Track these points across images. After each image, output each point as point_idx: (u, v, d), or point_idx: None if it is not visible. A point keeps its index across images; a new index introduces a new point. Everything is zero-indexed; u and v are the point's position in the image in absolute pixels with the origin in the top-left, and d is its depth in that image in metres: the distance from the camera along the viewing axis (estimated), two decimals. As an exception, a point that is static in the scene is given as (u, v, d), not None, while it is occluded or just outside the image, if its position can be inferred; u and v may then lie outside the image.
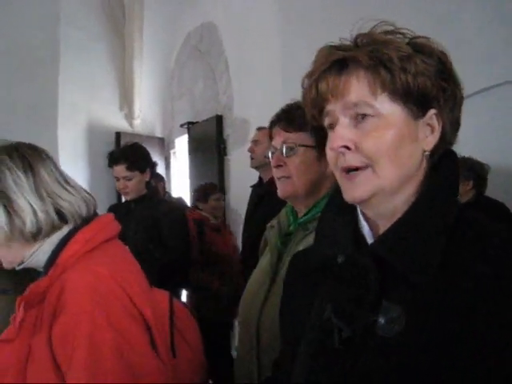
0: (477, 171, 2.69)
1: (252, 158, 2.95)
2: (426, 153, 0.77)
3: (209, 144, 4.70)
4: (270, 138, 1.35)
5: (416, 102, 0.75)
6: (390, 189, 0.75)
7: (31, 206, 1.03)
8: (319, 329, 0.79)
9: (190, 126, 4.99)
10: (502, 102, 2.55)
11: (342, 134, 0.75)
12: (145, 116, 5.74)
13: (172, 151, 5.68)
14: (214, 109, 4.69)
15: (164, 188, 4.36)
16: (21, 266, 1.08)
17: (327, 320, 0.77)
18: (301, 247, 1.27)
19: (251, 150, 2.93)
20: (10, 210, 1.02)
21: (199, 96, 4.99)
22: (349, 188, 0.76)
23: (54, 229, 1.05)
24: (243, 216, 4.21)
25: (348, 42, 0.79)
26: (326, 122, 0.80)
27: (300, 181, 1.28)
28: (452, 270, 0.70)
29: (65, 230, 1.07)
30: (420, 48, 0.76)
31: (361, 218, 0.81)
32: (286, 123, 1.29)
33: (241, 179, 4.36)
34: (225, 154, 4.63)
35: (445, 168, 0.78)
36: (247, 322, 1.31)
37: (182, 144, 5.33)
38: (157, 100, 5.68)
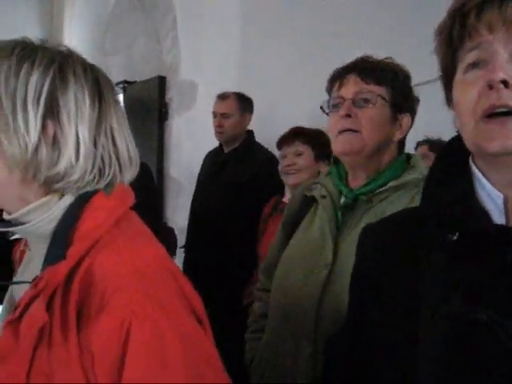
0: None
1: (221, 132, 2.75)
2: None
3: (148, 107, 4.37)
4: (340, 86, 1.19)
5: None
6: None
7: (78, 144, 0.73)
8: (458, 322, 0.62)
9: (127, 86, 4.59)
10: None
11: (504, 66, 0.62)
12: (73, 70, 5.19)
13: (101, 111, 5.23)
14: (157, 69, 4.34)
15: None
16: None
17: (468, 313, 0.61)
18: (363, 221, 1.12)
19: (220, 125, 2.73)
20: (50, 132, 0.72)
21: (139, 54, 4.60)
22: (499, 135, 0.62)
23: (78, 188, 0.75)
24: (184, 183, 3.98)
25: None
26: (472, 57, 0.65)
27: (371, 136, 1.15)
28: None
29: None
30: None
31: (490, 187, 0.67)
32: (365, 73, 1.16)
33: (182, 146, 4.11)
34: (166, 119, 4.33)
35: None
36: (299, 307, 1.13)
37: (114, 104, 4.90)
38: (88, 54, 5.15)
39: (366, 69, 1.18)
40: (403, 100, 1.18)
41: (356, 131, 1.16)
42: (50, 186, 0.74)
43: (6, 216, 0.77)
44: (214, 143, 3.05)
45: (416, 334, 0.66)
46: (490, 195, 0.67)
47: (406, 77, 1.20)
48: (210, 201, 2.72)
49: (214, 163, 2.87)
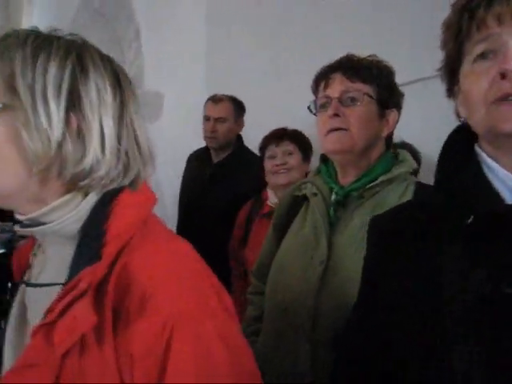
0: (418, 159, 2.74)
1: (213, 138, 2.60)
2: None
3: (112, 118, 4.30)
4: (326, 86, 1.19)
5: None
6: None
7: (102, 137, 0.69)
8: (483, 300, 0.63)
9: (90, 98, 4.51)
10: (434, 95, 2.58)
11: None
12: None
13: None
14: (120, 80, 4.29)
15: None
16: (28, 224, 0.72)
17: (494, 288, 0.62)
18: (356, 217, 1.14)
19: (214, 130, 2.59)
20: (74, 125, 0.68)
21: (101, 65, 4.53)
22: None
23: (103, 185, 0.71)
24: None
25: None
26: (480, 49, 0.68)
27: (360, 134, 1.16)
28: None
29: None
30: None
31: (500, 169, 0.69)
32: (351, 72, 1.17)
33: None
34: (131, 130, 4.27)
35: None
36: (296, 305, 1.13)
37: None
38: (48, 67, 5.04)
39: (351, 67, 1.19)
40: (389, 96, 1.20)
41: (345, 129, 1.16)
42: (75, 184, 0.70)
43: (20, 217, 0.73)
44: (183, 154, 2.99)
45: (432, 318, 0.67)
46: (499, 177, 0.68)
47: (390, 73, 1.22)
48: (203, 213, 2.55)
49: (201, 168, 2.70)
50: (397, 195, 1.15)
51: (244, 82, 3.30)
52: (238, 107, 2.66)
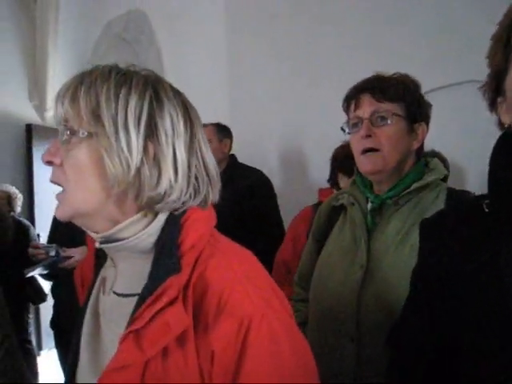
0: (446, 166, 2.77)
1: None
2: None
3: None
4: (356, 106, 1.27)
5: None
6: None
7: (175, 163, 0.76)
8: None
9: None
10: (465, 99, 2.66)
11: None
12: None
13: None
14: (144, 101, 4.41)
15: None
16: (107, 243, 0.79)
17: None
18: (392, 223, 1.22)
19: None
20: (151, 153, 0.75)
21: (124, 87, 4.66)
22: None
23: (174, 207, 0.77)
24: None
25: None
26: None
27: (391, 153, 1.23)
28: None
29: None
30: None
31: None
32: (379, 92, 1.24)
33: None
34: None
35: None
36: (339, 308, 1.20)
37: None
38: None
39: (378, 88, 1.25)
40: (417, 111, 1.26)
41: (377, 150, 1.24)
42: (150, 207, 0.76)
43: (93, 235, 0.80)
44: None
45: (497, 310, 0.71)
46: None
47: (416, 86, 1.29)
48: None
49: None
50: (430, 201, 1.23)
51: (263, 100, 3.41)
52: (222, 130, 2.88)
